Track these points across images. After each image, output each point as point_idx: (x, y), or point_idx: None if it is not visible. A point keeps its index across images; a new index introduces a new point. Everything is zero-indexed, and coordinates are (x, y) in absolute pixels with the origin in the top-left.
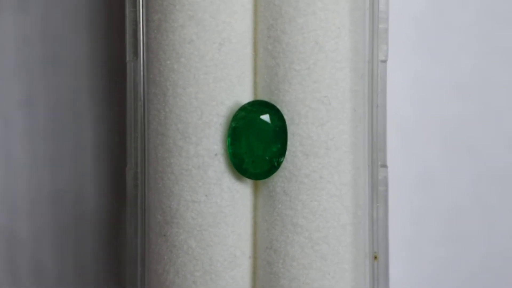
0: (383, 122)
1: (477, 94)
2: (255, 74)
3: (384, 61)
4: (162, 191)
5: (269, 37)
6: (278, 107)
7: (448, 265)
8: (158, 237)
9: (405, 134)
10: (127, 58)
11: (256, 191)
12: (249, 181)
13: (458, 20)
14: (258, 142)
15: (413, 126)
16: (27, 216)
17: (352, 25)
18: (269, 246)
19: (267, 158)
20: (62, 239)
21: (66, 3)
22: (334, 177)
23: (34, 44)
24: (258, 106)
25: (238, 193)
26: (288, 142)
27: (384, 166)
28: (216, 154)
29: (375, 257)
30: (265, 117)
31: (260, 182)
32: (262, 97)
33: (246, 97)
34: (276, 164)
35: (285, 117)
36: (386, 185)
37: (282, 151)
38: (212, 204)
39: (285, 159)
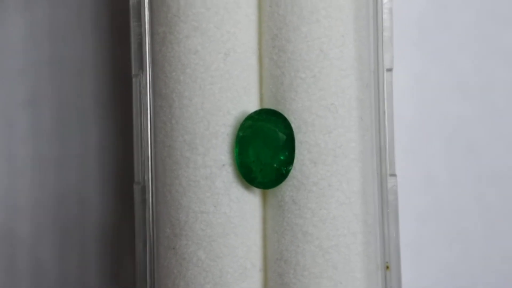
0: (391, 131)
1: (479, 95)
2: (260, 85)
3: (390, 70)
4: (171, 203)
5: (274, 47)
6: (285, 115)
7: (450, 265)
8: (167, 251)
9: (407, 135)
10: (133, 72)
11: (265, 202)
12: (258, 191)
13: (459, 21)
14: (266, 150)
15: (414, 127)
16: (29, 217)
17: (357, 34)
18: (279, 257)
19: (275, 166)
20: (64, 241)
21: (70, 4)
22: (343, 185)
23: (39, 45)
24: (265, 114)
25: (247, 204)
26: (296, 151)
27: (393, 175)
28: (223, 165)
29: (387, 267)
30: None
31: (269, 192)
32: (268, 106)
33: (252, 108)
34: (284, 172)
35: (292, 125)
36: (395, 194)
37: (290, 159)
38: (220, 215)
39: (293, 168)
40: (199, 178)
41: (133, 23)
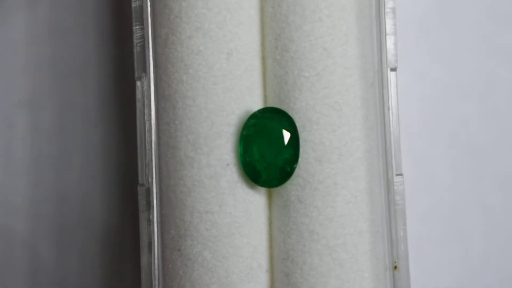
0: (396, 131)
1: (482, 95)
2: (264, 85)
3: (394, 69)
4: (175, 205)
5: (277, 47)
6: (289, 114)
7: (452, 265)
8: (173, 253)
9: (408, 134)
10: (136, 76)
11: (270, 202)
12: (263, 191)
13: (462, 21)
14: (270, 148)
15: (417, 127)
16: (29, 217)
17: (360, 33)
18: (285, 257)
19: (279, 164)
20: (64, 241)
21: (72, 4)
22: (348, 183)
23: (41, 44)
24: (269, 112)
25: (252, 204)
26: (301, 149)
27: (400, 175)
28: (228, 164)
29: (395, 267)
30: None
31: (274, 192)
32: (272, 106)
33: (256, 107)
34: (289, 170)
35: (297, 124)
36: (402, 194)
37: (294, 157)
38: (225, 215)
39: (298, 166)
40: (203, 178)
41: (135, 27)
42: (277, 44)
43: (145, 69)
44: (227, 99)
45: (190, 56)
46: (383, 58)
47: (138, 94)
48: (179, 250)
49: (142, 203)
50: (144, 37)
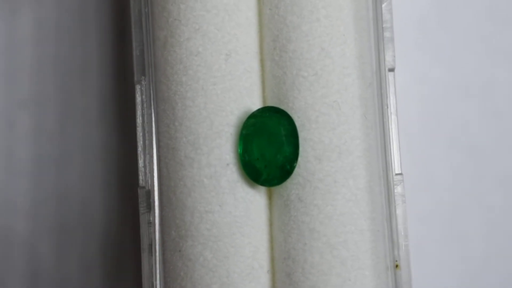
0: (395, 130)
1: (482, 95)
2: (263, 87)
3: (392, 69)
4: (175, 205)
5: (275, 48)
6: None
7: (451, 265)
8: (173, 254)
9: (408, 134)
10: (135, 79)
11: (270, 202)
12: (263, 191)
13: (461, 21)
14: (270, 147)
15: (417, 127)
16: (29, 217)
17: (357, 33)
18: (286, 256)
19: (279, 162)
20: (65, 242)
21: (75, 4)
22: (349, 181)
23: (42, 44)
24: (268, 112)
25: (252, 204)
26: (300, 148)
27: (399, 174)
28: (228, 164)
29: (397, 266)
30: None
31: (274, 192)
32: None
33: (255, 108)
34: (289, 168)
35: (296, 123)
36: (402, 193)
37: (294, 155)
38: (226, 214)
39: (298, 165)
40: (203, 178)
41: (134, 30)
42: (275, 45)
43: (144, 72)
44: (227, 100)
45: (189, 58)
46: (381, 59)
47: (138, 98)
48: (180, 251)
49: (142, 206)
50: (143, 41)
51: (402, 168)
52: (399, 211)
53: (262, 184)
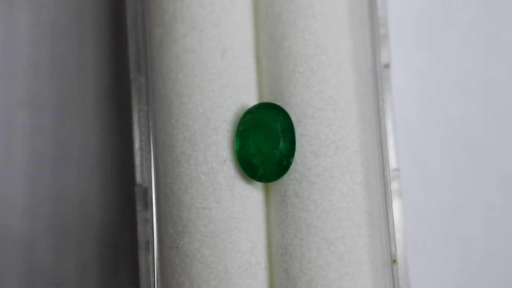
0: (391, 126)
1: (481, 94)
2: (259, 83)
3: (387, 66)
4: (172, 202)
5: (271, 45)
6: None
7: (451, 265)
8: (171, 251)
9: (407, 134)
10: (131, 77)
11: (267, 199)
12: (260, 187)
13: (460, 19)
14: (266, 142)
15: (416, 126)
16: (27, 216)
17: (353, 29)
18: (284, 252)
19: (276, 158)
20: (62, 241)
21: (71, 4)
22: (345, 176)
23: (39, 44)
24: (264, 107)
25: (249, 200)
26: (297, 144)
27: (396, 169)
28: (224, 160)
29: (394, 261)
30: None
31: (271, 188)
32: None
33: (251, 104)
34: (286, 163)
35: (292, 119)
36: (399, 188)
37: (291, 150)
38: (223, 210)
39: (294, 161)
40: (200, 174)
41: (130, 28)
42: (271, 42)
43: (140, 70)
44: (223, 96)
45: (185, 55)
46: (377, 54)
47: (134, 95)
48: (177, 247)
49: (139, 203)
50: (139, 38)
51: (399, 164)
52: (395, 206)
53: (259, 180)
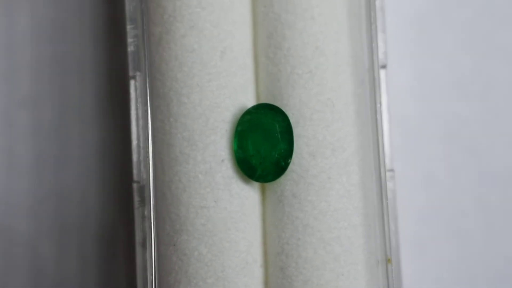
0: (387, 127)
1: (479, 94)
2: (258, 84)
3: (384, 67)
4: (170, 201)
5: (270, 46)
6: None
7: (449, 264)
8: (168, 248)
9: (406, 134)
10: (130, 75)
11: (264, 198)
12: (257, 186)
13: (458, 19)
14: (264, 143)
15: (414, 126)
16: (28, 215)
17: (351, 31)
18: (280, 251)
19: (274, 159)
20: (63, 240)
21: (71, 3)
22: (342, 177)
23: (40, 44)
24: (262, 108)
25: (247, 199)
26: (295, 145)
27: (391, 170)
28: (223, 160)
29: (389, 260)
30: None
31: (268, 188)
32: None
33: (250, 105)
34: (283, 164)
35: (290, 120)
36: (393, 189)
37: (289, 151)
38: (221, 210)
39: (292, 162)
40: (198, 173)
41: (129, 26)
42: (270, 43)
43: (139, 68)
44: (222, 96)
45: (184, 55)
46: (374, 56)
47: (132, 93)
48: (174, 245)
49: (136, 200)
50: (137, 37)
51: (395, 164)
52: (390, 207)
53: (257, 180)
